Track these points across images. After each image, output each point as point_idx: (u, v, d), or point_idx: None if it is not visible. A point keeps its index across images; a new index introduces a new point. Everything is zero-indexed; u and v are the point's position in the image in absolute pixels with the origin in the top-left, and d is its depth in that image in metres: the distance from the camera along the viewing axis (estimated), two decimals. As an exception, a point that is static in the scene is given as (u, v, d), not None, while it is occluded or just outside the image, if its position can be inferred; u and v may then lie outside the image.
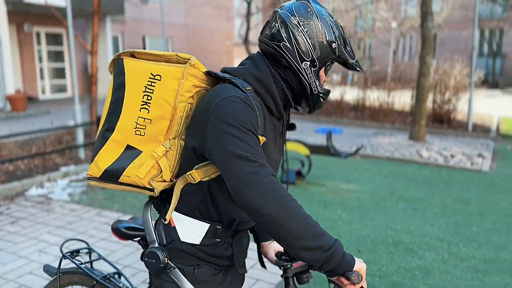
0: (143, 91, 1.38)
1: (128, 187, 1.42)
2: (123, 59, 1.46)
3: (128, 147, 1.42)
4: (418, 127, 8.95)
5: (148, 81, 1.38)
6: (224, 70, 1.47)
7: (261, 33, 1.48)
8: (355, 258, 1.28)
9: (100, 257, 1.95)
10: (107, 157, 1.43)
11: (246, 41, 13.78)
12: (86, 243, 2.01)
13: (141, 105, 1.39)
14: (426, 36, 8.70)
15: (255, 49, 27.68)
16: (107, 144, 1.43)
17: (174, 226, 1.45)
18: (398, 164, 7.67)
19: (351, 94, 13.53)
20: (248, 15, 13.50)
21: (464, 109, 11.46)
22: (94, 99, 8.43)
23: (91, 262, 1.94)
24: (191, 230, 1.44)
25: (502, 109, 15.08)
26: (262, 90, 1.42)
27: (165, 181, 1.40)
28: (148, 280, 1.78)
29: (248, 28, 13.78)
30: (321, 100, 1.48)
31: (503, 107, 15.73)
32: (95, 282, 1.85)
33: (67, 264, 3.46)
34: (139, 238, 1.71)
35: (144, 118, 1.39)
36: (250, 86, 1.40)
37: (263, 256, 1.73)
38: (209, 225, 1.44)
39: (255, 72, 1.43)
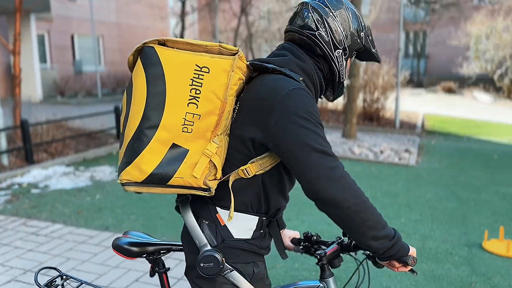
0: (189, 84, 1.30)
1: (177, 189, 1.34)
2: (153, 47, 1.34)
3: (173, 146, 1.31)
4: (350, 125, 9.28)
5: (195, 73, 1.30)
6: (265, 61, 1.44)
7: (290, 23, 1.50)
8: (409, 245, 1.40)
9: (82, 283, 1.64)
10: (151, 159, 1.30)
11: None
12: (58, 270, 1.66)
13: (189, 99, 1.30)
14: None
15: None
16: (150, 144, 1.30)
17: (225, 225, 1.41)
18: (356, 163, 7.90)
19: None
20: (182, 14, 13.36)
21: (392, 107, 12.03)
22: (18, 102, 8.01)
23: None
24: (244, 225, 1.41)
25: (426, 107, 15.99)
26: (308, 82, 1.46)
27: (216, 179, 1.34)
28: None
29: (183, 28, 13.64)
30: (343, 88, 1.55)
31: (427, 105, 16.68)
32: None
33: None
34: (146, 253, 1.59)
35: (193, 114, 1.30)
36: (302, 77, 1.42)
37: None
38: (258, 217, 1.43)
39: (301, 63, 1.45)
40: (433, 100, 18.38)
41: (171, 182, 1.32)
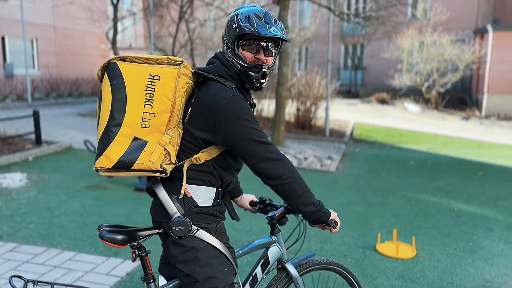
0: (145, 90, 1.64)
1: (139, 172, 1.67)
2: (115, 63, 1.67)
3: (135, 139, 1.64)
4: (278, 132, 9.42)
5: (148, 81, 1.64)
6: (200, 69, 1.78)
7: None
8: (330, 210, 1.88)
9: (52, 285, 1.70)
10: (117, 149, 1.62)
11: (113, 45, 13.36)
12: (23, 278, 1.68)
13: (145, 102, 1.64)
14: (282, 48, 9.15)
15: (125, 53, 27.51)
16: (116, 138, 1.63)
17: (191, 196, 1.76)
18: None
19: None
20: (115, 18, 13.11)
21: (324, 116, 12.35)
22: None
23: None
24: (205, 195, 1.78)
25: (359, 116, 16.51)
26: (236, 84, 1.80)
27: (171, 163, 1.68)
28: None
29: (115, 31, 13.37)
30: (253, 74, 1.77)
31: (360, 114, 17.23)
32: None
33: None
34: (133, 240, 1.74)
35: (149, 113, 1.65)
36: (234, 84, 1.78)
37: (242, 207, 2.29)
38: (215, 189, 1.81)
39: (226, 69, 1.79)
40: (366, 110, 19.01)
41: (134, 167, 1.65)
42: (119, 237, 1.71)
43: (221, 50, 1.85)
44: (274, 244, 2.14)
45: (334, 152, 9.43)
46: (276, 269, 2.21)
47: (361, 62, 26.01)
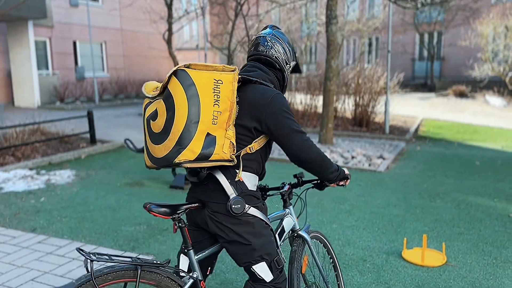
0: (212, 92, 2.01)
1: (214, 162, 2.05)
2: (185, 70, 2.00)
3: (208, 134, 2.01)
4: (326, 130, 9.28)
5: (214, 84, 2.01)
6: (245, 75, 2.24)
7: (255, 49, 2.40)
8: (344, 169, 2.47)
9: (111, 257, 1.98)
10: (197, 144, 1.98)
11: (168, 46, 13.88)
12: (82, 251, 1.93)
13: (214, 102, 2.01)
14: (331, 40, 9.00)
15: (180, 53, 26.95)
16: (196, 135, 1.98)
17: (242, 181, 2.19)
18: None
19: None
20: (169, 18, 13.60)
21: (391, 112, 12.00)
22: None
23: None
24: (252, 181, 2.23)
25: (430, 112, 15.83)
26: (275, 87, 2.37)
27: (234, 154, 2.10)
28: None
29: (170, 32, 13.88)
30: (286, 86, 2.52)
31: (432, 109, 16.50)
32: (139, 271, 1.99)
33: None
34: (176, 212, 2.14)
35: (217, 111, 2.02)
36: (272, 85, 2.30)
37: None
38: (257, 177, 2.28)
39: (267, 76, 2.33)
40: (441, 104, 18.16)
41: (211, 158, 2.03)
42: (163, 209, 2.09)
43: (253, 62, 2.40)
44: (288, 215, 2.67)
45: (389, 151, 9.15)
46: (289, 238, 2.75)
47: (438, 51, 24.82)
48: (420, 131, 12.47)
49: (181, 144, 1.97)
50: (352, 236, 4.67)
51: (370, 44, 27.01)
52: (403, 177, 7.31)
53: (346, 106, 12.74)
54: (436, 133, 12.22)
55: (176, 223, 2.16)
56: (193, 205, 2.18)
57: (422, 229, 4.94)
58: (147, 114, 2.14)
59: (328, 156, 8.40)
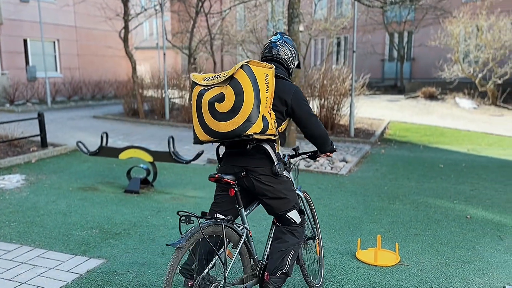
0: (265, 83, 2.83)
1: (267, 136, 2.85)
2: (248, 65, 2.79)
3: (262, 115, 2.83)
4: (288, 132, 9.58)
5: (265, 77, 2.84)
6: (277, 73, 3.09)
7: (269, 53, 3.23)
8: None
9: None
10: (260, 121, 2.79)
11: (125, 44, 13.91)
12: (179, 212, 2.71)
13: (265, 90, 2.83)
14: (294, 39, 9.27)
15: (138, 52, 26.50)
16: (260, 113, 2.80)
17: (278, 152, 3.07)
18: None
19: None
20: (125, 15, 13.66)
21: (358, 114, 12.38)
22: None
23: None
24: (281, 153, 3.14)
25: (399, 114, 16.39)
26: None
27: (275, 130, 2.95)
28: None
29: (126, 29, 13.91)
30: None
31: (401, 112, 17.08)
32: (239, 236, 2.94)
33: None
34: (236, 178, 2.98)
35: (267, 97, 2.85)
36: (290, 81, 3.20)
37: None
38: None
39: (286, 75, 3.22)
40: (410, 106, 18.78)
41: (267, 132, 2.84)
42: (230, 176, 2.92)
43: (270, 62, 3.22)
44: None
45: (352, 154, 9.53)
46: None
47: (409, 52, 25.57)
48: (386, 134, 12.95)
49: (250, 120, 2.76)
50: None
51: (338, 44, 27.59)
52: (364, 180, 7.66)
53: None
54: (402, 136, 12.73)
55: (235, 187, 2.96)
56: (243, 173, 3.00)
57: (378, 230, 5.26)
58: (207, 98, 2.85)
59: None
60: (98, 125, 13.89)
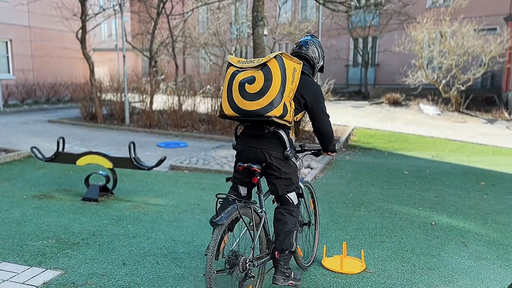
0: (292, 75, 3.33)
1: (284, 122, 3.36)
2: (281, 56, 3.29)
3: (284, 103, 3.31)
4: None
5: (293, 70, 3.34)
6: (303, 70, 3.64)
7: (299, 49, 3.80)
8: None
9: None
10: (281, 106, 3.28)
11: (82, 45, 13.69)
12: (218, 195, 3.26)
13: (291, 81, 3.33)
14: (257, 43, 9.36)
15: (97, 54, 26.29)
16: (282, 99, 3.29)
17: (291, 138, 3.56)
18: (224, 176, 8.27)
19: (206, 106, 14.14)
20: (82, 15, 13.47)
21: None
22: None
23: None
24: (292, 140, 3.61)
25: (363, 120, 16.69)
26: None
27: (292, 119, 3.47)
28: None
29: (83, 30, 13.70)
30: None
31: (365, 118, 17.40)
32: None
33: None
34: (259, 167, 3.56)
35: (291, 88, 3.35)
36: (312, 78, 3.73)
37: None
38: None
39: (309, 70, 3.73)
40: (374, 112, 19.16)
41: (285, 118, 3.34)
42: (257, 165, 3.49)
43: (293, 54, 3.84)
44: None
45: (317, 160, 9.66)
46: None
47: (373, 57, 26.08)
48: (350, 140, 13.17)
49: (273, 104, 3.25)
50: (274, 246, 4.97)
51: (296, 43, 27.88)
52: (329, 186, 7.78)
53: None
54: (367, 142, 12.97)
55: (258, 175, 3.55)
56: (261, 165, 3.54)
57: (344, 237, 5.35)
58: (240, 78, 3.35)
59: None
60: (54, 129, 13.61)
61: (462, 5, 20.90)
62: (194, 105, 13.92)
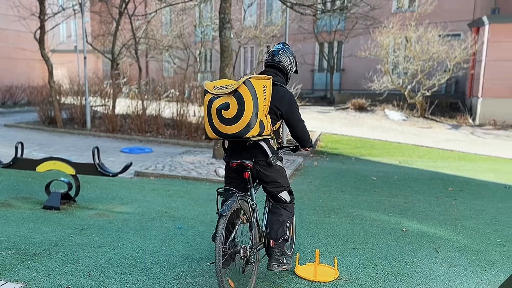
0: (263, 93, 3.66)
1: (263, 137, 3.77)
2: (250, 81, 3.61)
3: (260, 120, 3.67)
4: (220, 144, 9.55)
5: (263, 89, 3.66)
6: (274, 81, 3.95)
7: (272, 59, 4.10)
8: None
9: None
10: (257, 126, 3.65)
11: (41, 46, 13.35)
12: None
13: (263, 99, 3.67)
14: (225, 46, 9.25)
15: (55, 56, 25.73)
16: (257, 120, 3.64)
17: (273, 146, 3.99)
18: (191, 183, 8.19)
19: (171, 110, 13.99)
20: (41, 15, 13.13)
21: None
22: None
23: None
24: (275, 146, 4.07)
25: (329, 126, 16.84)
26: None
27: (270, 130, 3.84)
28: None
29: (42, 30, 13.36)
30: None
31: (331, 123, 17.57)
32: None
33: None
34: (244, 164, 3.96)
35: (264, 105, 3.69)
36: (285, 87, 4.10)
37: None
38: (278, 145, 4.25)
39: (282, 80, 4.09)
40: (340, 118, 19.37)
41: (263, 134, 3.72)
42: (249, 161, 3.89)
43: (270, 69, 4.14)
44: None
45: (286, 167, 9.67)
46: None
47: (339, 62, 26.38)
48: (318, 146, 13.26)
49: (250, 126, 3.63)
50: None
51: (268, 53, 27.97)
52: (299, 193, 7.79)
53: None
54: (333, 148, 13.09)
55: (249, 172, 3.97)
56: (251, 164, 3.91)
57: (315, 244, 5.35)
58: (216, 105, 3.71)
59: (222, 173, 8.66)
60: (11, 134, 13.23)
61: (427, 10, 21.33)
62: (159, 110, 13.74)
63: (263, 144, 3.88)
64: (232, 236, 3.74)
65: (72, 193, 6.59)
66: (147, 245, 5.07)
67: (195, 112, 13.48)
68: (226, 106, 3.65)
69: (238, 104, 3.60)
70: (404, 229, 6.06)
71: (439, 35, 19.71)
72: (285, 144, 4.96)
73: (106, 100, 14.61)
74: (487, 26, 18.89)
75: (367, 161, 11.40)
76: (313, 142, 4.54)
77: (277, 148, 4.21)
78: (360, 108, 21.71)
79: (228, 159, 4.06)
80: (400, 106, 21.51)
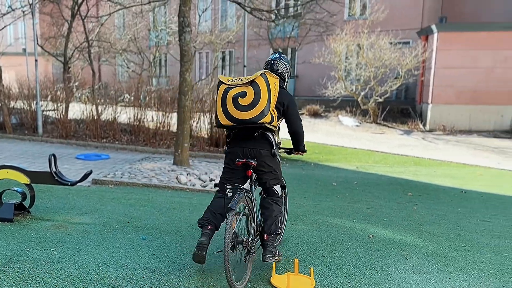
0: (274, 88, 4.20)
1: (272, 126, 4.27)
2: (265, 74, 4.16)
3: (270, 112, 4.18)
4: (181, 150, 9.27)
5: (274, 84, 4.21)
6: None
7: (271, 68, 4.63)
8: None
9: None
10: (269, 115, 4.16)
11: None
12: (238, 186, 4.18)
13: (274, 94, 4.21)
14: (185, 50, 8.99)
15: (3, 58, 24.91)
16: (270, 109, 4.15)
17: (276, 140, 4.49)
18: (153, 191, 7.90)
19: (127, 115, 13.58)
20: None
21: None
22: None
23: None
24: (277, 140, 4.55)
25: (285, 132, 16.83)
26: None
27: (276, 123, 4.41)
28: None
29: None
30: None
31: (286, 129, 17.57)
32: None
33: None
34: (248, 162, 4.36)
35: (274, 100, 4.24)
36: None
37: None
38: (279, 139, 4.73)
39: (283, 85, 4.66)
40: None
41: (272, 123, 4.26)
42: (254, 160, 4.27)
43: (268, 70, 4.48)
44: None
45: (248, 172, 9.51)
46: None
47: (293, 69, 26.52)
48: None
49: (264, 113, 4.10)
50: (214, 265, 4.72)
51: (223, 59, 27.83)
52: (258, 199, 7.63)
53: (202, 124, 12.95)
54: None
55: (252, 170, 4.38)
56: (253, 162, 4.30)
57: (285, 253, 5.20)
58: (232, 93, 4.13)
59: (185, 179, 8.50)
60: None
61: (379, 18, 21.71)
62: (115, 115, 13.30)
63: (269, 135, 4.36)
64: (234, 228, 4.06)
65: (26, 203, 6.17)
66: (111, 258, 4.78)
67: (152, 117, 13.13)
68: (243, 94, 4.08)
69: (255, 93, 4.07)
70: (370, 236, 6.01)
71: (390, 43, 20.06)
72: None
73: (58, 104, 14.02)
74: (435, 35, 19.44)
75: (326, 167, 11.40)
76: (305, 148, 4.93)
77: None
78: (315, 114, 21.85)
79: (231, 147, 4.46)
80: (354, 112, 21.78)
